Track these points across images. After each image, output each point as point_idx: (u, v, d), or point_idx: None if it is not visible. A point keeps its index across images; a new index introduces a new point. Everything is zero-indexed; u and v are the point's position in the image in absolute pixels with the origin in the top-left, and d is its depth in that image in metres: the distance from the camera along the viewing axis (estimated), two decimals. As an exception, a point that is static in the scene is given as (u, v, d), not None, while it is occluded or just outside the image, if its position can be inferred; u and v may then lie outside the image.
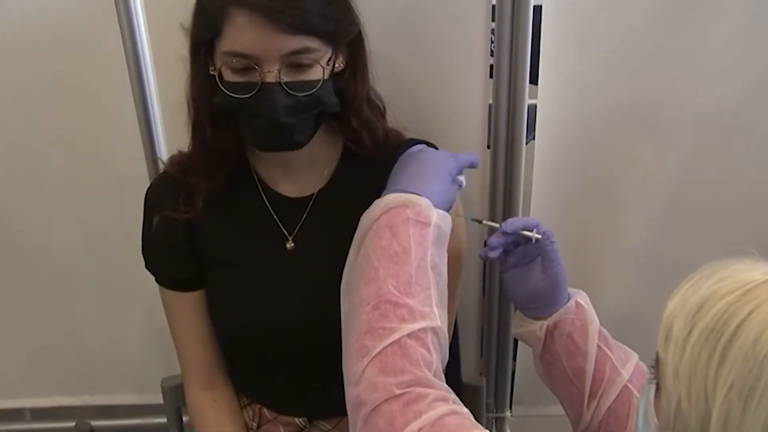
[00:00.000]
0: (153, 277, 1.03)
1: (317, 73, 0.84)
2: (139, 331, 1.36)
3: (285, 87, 0.82)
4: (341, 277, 0.91)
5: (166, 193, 0.97)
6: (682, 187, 1.18)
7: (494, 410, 1.38)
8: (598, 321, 0.91)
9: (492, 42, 1.08)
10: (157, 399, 1.31)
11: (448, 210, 0.83)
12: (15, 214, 1.26)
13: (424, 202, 0.78)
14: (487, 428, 0.66)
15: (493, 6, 1.06)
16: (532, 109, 1.13)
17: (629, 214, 1.21)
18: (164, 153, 1.15)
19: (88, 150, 1.20)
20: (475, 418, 0.67)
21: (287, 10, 0.79)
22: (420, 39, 1.09)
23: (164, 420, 1.24)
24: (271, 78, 0.81)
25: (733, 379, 0.50)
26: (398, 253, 0.73)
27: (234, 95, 0.83)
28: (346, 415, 0.84)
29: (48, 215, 1.26)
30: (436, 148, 1.00)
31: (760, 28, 1.07)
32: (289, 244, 0.97)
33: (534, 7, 1.05)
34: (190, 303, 1.01)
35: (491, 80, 1.10)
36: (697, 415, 0.52)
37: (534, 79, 1.10)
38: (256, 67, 0.81)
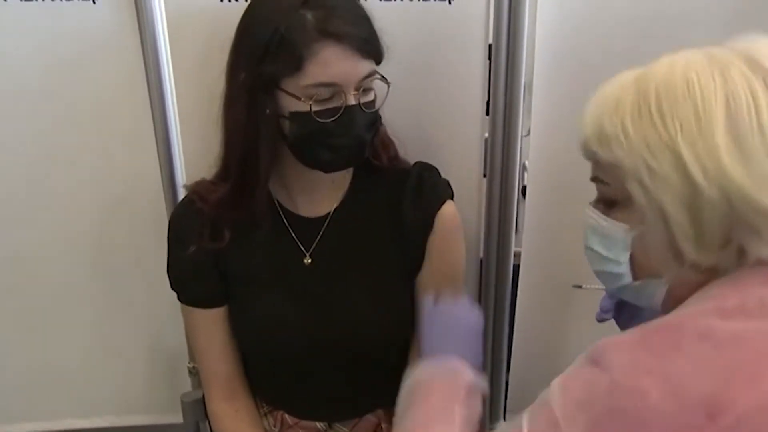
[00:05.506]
0: (163, 298, 1.07)
1: (375, 92, 0.93)
2: (148, 352, 1.39)
3: (362, 107, 0.91)
4: (356, 288, 1.00)
5: (191, 221, 1.01)
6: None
7: (489, 422, 1.44)
8: None
9: (488, 80, 1.16)
10: (166, 419, 1.34)
11: None
12: (27, 235, 1.27)
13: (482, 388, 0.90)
14: None
15: (490, 46, 1.14)
16: (525, 141, 1.22)
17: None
18: (182, 177, 1.20)
19: (103, 171, 1.23)
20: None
21: (367, 37, 0.88)
22: (422, 78, 1.17)
23: (173, 440, 1.27)
24: (353, 100, 0.90)
25: (677, 116, 0.60)
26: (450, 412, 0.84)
27: (321, 120, 0.89)
28: (363, 416, 0.96)
29: (59, 236, 1.27)
30: (439, 173, 1.09)
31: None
32: (307, 260, 1.04)
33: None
34: (214, 319, 1.06)
35: (487, 117, 1.19)
36: (669, 164, 0.60)
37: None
38: (337, 92, 0.88)
